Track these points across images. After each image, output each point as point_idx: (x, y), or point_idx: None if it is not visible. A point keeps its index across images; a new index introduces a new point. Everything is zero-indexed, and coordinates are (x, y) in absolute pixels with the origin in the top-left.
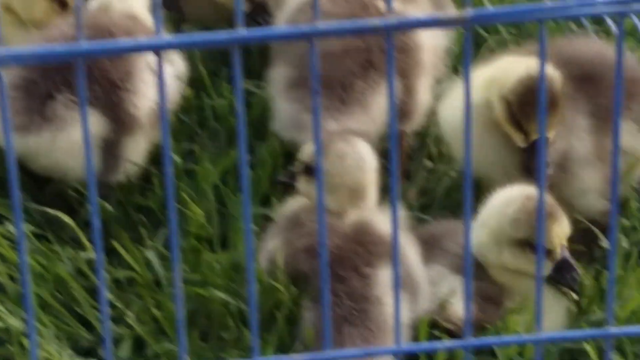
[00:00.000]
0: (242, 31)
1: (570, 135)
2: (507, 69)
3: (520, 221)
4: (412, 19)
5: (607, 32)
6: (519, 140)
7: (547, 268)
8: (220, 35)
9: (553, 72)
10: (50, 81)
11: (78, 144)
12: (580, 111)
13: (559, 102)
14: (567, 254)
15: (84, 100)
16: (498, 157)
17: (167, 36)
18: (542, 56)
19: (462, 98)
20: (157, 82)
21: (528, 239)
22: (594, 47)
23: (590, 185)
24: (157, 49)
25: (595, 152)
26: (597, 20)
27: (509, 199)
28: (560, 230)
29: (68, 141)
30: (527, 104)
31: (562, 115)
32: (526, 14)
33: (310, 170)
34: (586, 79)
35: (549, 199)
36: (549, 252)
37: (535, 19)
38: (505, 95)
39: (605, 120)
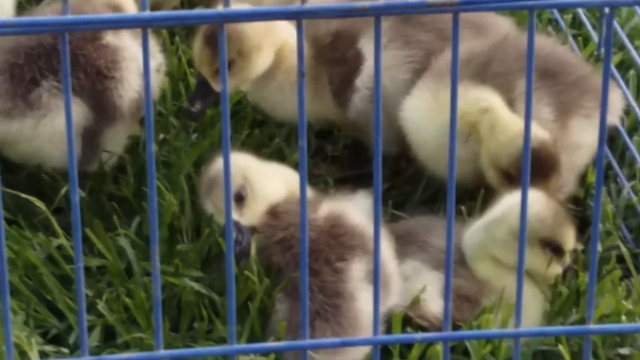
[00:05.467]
0: (226, 9)
1: (535, 125)
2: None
3: (547, 220)
4: (400, 2)
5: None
6: (497, 182)
7: (557, 271)
8: (205, 12)
9: (548, 135)
10: (35, 66)
11: (60, 132)
12: (543, 103)
13: (558, 164)
14: (571, 262)
15: (67, 74)
16: (466, 167)
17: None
18: (530, 43)
19: (428, 103)
20: (143, 59)
21: (551, 239)
22: (548, 43)
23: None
24: (144, 24)
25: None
26: (577, 25)
27: (531, 199)
28: (574, 236)
29: (50, 128)
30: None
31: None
32: (517, 1)
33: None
34: (546, 73)
35: (561, 206)
36: (562, 254)
37: (525, 7)
38: (501, 159)
39: (564, 115)
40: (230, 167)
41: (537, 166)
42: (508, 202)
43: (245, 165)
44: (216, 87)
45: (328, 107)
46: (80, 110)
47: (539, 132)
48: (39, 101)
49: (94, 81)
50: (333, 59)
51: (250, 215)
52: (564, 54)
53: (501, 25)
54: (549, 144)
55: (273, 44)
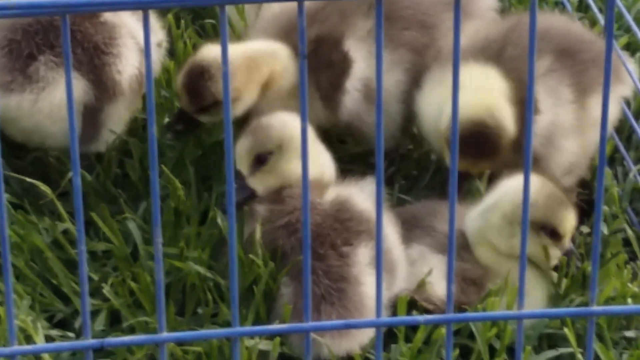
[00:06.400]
0: None
1: (556, 106)
2: (466, 96)
3: (539, 203)
4: None
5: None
6: (448, 161)
7: (556, 255)
8: None
9: (509, 125)
10: (33, 42)
11: (60, 107)
12: (565, 84)
13: (497, 155)
14: (572, 246)
15: (68, 56)
16: None
17: None
18: (532, 25)
19: (440, 93)
20: (144, 42)
21: (544, 222)
22: (563, 22)
23: (570, 158)
24: (144, 6)
25: (576, 123)
26: (583, 7)
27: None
28: (572, 219)
29: (50, 102)
30: (465, 145)
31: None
32: None
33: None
34: (564, 53)
35: (558, 190)
36: (560, 238)
37: None
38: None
39: (583, 94)
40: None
41: (475, 144)
42: (502, 187)
43: (290, 135)
44: (197, 118)
45: (316, 114)
46: (79, 85)
47: (504, 117)
48: (37, 74)
49: (92, 56)
50: (318, 65)
51: (258, 182)
52: (579, 32)
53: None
54: (500, 134)
55: (256, 84)
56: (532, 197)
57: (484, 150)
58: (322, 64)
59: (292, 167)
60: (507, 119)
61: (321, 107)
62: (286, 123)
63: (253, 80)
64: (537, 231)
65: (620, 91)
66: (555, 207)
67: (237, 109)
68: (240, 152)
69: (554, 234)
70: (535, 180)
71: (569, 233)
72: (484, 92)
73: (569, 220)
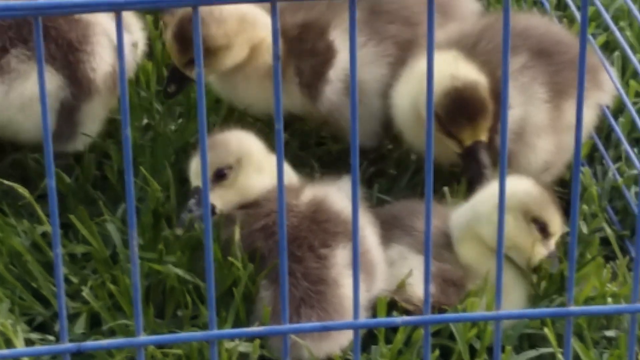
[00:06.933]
0: None
1: (528, 104)
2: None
3: (534, 195)
4: None
5: (570, 19)
6: (454, 147)
7: (542, 252)
8: None
9: (478, 77)
10: (5, 36)
11: (31, 101)
12: (537, 81)
13: (487, 107)
14: (556, 251)
15: (41, 59)
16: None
17: None
18: (506, 24)
19: (411, 85)
20: (117, 43)
21: (537, 216)
22: (542, 23)
23: (545, 156)
24: (117, 8)
25: (550, 122)
26: (562, 6)
27: (520, 180)
28: (561, 223)
29: (21, 93)
30: (455, 115)
31: (493, 118)
32: None
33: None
34: (541, 53)
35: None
36: (548, 236)
37: None
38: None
39: (558, 96)
40: (222, 143)
41: (461, 107)
42: (494, 182)
43: (248, 150)
44: (188, 74)
45: (293, 99)
46: (54, 80)
47: (469, 74)
48: (8, 66)
49: (66, 52)
50: (302, 51)
51: (218, 197)
52: (558, 33)
53: (466, 3)
54: (476, 86)
55: (247, 41)
56: (527, 189)
57: (469, 108)
58: (306, 51)
59: (251, 182)
60: (469, 73)
61: (298, 94)
62: (243, 138)
63: (247, 34)
64: (529, 222)
65: (599, 98)
66: (549, 204)
67: (226, 60)
68: (198, 167)
69: (544, 230)
70: (528, 180)
71: (556, 234)
72: (439, 67)
73: (558, 222)
